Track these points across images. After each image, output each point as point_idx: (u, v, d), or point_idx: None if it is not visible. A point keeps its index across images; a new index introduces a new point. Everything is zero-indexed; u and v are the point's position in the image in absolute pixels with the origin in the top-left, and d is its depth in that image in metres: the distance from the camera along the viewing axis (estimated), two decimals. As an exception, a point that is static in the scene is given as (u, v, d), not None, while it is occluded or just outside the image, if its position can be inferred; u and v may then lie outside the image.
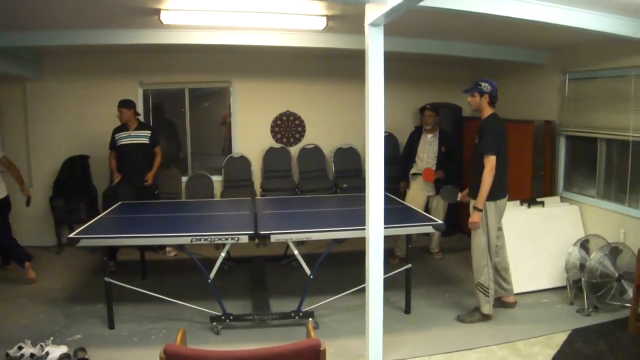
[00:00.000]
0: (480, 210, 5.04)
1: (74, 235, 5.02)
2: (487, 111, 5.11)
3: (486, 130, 5.04)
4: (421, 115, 7.43)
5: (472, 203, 5.17)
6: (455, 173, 7.40)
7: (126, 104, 6.96)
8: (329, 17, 5.65)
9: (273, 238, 4.94)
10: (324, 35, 6.42)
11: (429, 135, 7.09)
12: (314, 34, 6.41)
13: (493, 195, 5.05)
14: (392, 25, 4.01)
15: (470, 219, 5.12)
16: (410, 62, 8.42)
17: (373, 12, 3.88)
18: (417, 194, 7.08)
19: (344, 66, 8.31)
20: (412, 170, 7.18)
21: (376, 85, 4.01)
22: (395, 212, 5.70)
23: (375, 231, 4.12)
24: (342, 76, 8.61)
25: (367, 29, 4.00)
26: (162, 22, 5.62)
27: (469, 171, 5.39)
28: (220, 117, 9.17)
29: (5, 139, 8.47)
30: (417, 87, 8.84)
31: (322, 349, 2.65)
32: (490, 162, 4.93)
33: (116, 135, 6.97)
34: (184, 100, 8.77)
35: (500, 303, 5.51)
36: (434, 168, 7.01)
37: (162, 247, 7.48)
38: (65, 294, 6.18)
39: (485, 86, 5.08)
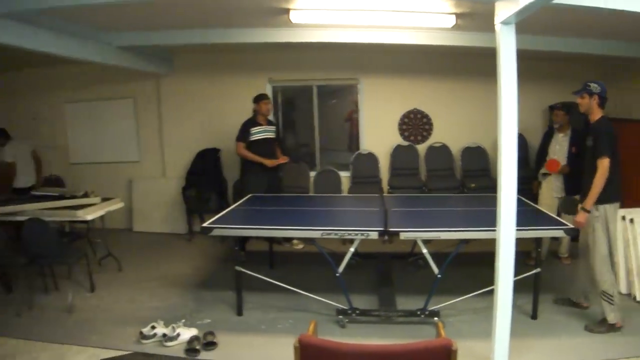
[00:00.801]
0: (588, 212, 4.87)
1: (208, 224, 5.22)
2: (597, 113, 4.93)
3: (600, 132, 4.84)
4: (551, 114, 7.20)
5: (592, 211, 4.96)
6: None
7: (269, 98, 7.20)
8: (458, 15, 5.58)
9: (402, 235, 4.92)
10: (452, 33, 6.36)
11: (560, 135, 6.82)
12: (442, 31, 6.37)
13: (616, 198, 4.90)
14: (521, 22, 3.91)
15: (577, 218, 4.95)
16: (538, 60, 8.12)
17: (504, 11, 3.78)
18: (547, 195, 6.83)
19: (471, 64, 8.20)
20: (542, 170, 6.95)
21: (509, 85, 3.90)
22: (525, 214, 5.44)
23: (506, 233, 4.03)
24: (469, 74, 8.46)
25: (498, 27, 3.90)
26: (291, 21, 5.75)
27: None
28: (346, 113, 9.27)
29: (140, 132, 9.03)
30: (545, 86, 8.48)
31: (454, 349, 2.65)
32: (604, 164, 4.74)
33: (252, 129, 7.12)
34: (312, 96, 8.90)
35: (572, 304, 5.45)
36: (562, 169, 6.75)
37: (289, 240, 7.65)
38: (196, 280, 6.48)
39: (595, 87, 4.89)
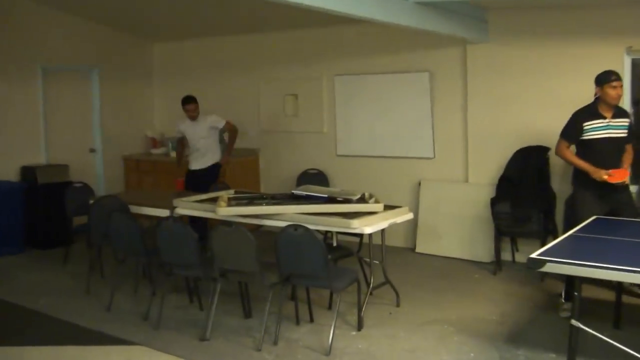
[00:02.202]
0: None
1: (538, 255, 4.94)
2: None
3: None
4: None
5: None
6: None
7: (620, 78, 6.66)
8: None
9: None
10: None
11: None
12: None
13: None
14: None
15: None
16: None
17: None
18: None
19: None
20: None
21: None
22: None
23: None
24: None
25: None
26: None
27: None
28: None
29: (436, 118, 9.12)
30: None
31: None
32: None
33: (585, 124, 6.61)
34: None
35: None
36: None
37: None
38: (503, 330, 6.24)
39: None
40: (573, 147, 6.83)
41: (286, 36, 10.19)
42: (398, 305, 6.92)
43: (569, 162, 6.84)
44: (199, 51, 11.40)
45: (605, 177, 6.43)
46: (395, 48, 9.27)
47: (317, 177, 9.67)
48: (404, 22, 7.06)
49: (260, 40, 10.56)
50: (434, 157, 9.25)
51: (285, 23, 9.43)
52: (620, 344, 4.92)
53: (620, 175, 6.51)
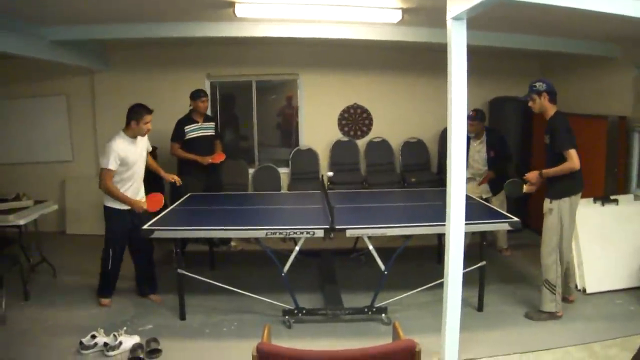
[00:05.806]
0: (542, 177, 5.00)
1: (148, 226, 5.06)
2: (551, 109, 5.02)
3: (560, 127, 4.90)
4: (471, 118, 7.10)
5: (546, 203, 5.07)
6: (511, 171, 7.14)
7: (206, 94, 7.10)
8: (404, 10, 5.56)
9: (348, 233, 4.87)
10: (397, 28, 6.32)
11: (476, 143, 6.92)
12: (387, 26, 6.31)
13: (568, 191, 4.96)
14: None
15: (528, 175, 5.14)
16: (475, 55, 8.17)
17: (456, 6, 3.74)
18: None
19: (412, 58, 8.29)
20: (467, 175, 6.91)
21: (458, 80, 3.89)
22: (470, 208, 5.49)
23: (456, 228, 4.02)
24: (410, 68, 8.54)
25: (449, 22, 3.87)
26: (235, 15, 5.63)
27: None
28: (278, 108, 9.27)
29: (73, 129, 8.71)
30: (481, 81, 8.31)
31: (417, 350, 2.59)
32: (572, 155, 4.79)
33: (186, 127, 6.92)
34: (251, 92, 8.77)
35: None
36: (484, 174, 6.94)
37: (226, 242, 7.52)
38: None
39: (540, 85, 4.99)
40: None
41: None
42: (55, 276, 6.56)
43: (182, 158, 6.98)
44: None
45: (210, 160, 6.90)
46: (37, 77, 8.61)
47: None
48: (43, 57, 6.64)
49: None
50: (73, 160, 8.83)
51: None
52: (215, 280, 5.33)
53: (219, 157, 7.02)
